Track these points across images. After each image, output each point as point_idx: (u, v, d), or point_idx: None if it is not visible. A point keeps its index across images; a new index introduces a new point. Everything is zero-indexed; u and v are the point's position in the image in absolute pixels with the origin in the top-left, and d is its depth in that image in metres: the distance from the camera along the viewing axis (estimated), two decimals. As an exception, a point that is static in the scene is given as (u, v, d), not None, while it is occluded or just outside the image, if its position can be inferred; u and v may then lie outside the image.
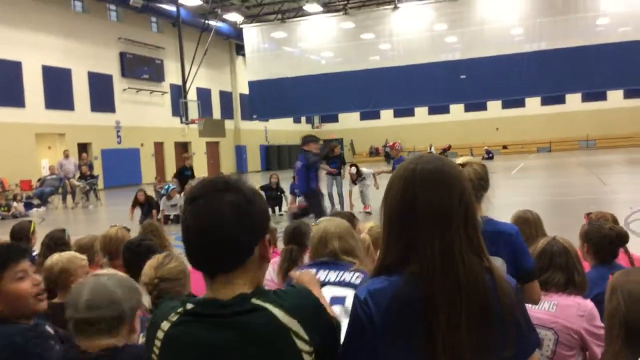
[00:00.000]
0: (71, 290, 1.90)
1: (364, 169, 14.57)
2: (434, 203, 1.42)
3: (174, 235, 11.59)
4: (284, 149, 44.30)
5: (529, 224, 3.72)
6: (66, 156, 21.19)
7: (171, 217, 13.99)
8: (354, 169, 14.46)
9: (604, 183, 17.24)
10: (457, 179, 1.47)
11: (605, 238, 3.20)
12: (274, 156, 43.60)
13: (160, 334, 1.40)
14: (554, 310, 2.70)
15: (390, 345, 1.40)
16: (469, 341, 1.36)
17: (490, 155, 39.75)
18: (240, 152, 40.57)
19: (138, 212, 13.73)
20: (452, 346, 1.35)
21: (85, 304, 1.81)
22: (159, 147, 32.76)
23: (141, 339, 2.03)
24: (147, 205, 13.98)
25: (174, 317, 1.40)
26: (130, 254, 3.28)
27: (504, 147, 45.14)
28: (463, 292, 1.37)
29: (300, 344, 1.36)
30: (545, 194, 16.10)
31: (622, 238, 3.24)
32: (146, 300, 2.32)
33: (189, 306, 1.40)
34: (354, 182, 14.35)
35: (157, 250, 3.25)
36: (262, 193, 1.56)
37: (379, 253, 1.52)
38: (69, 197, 20.10)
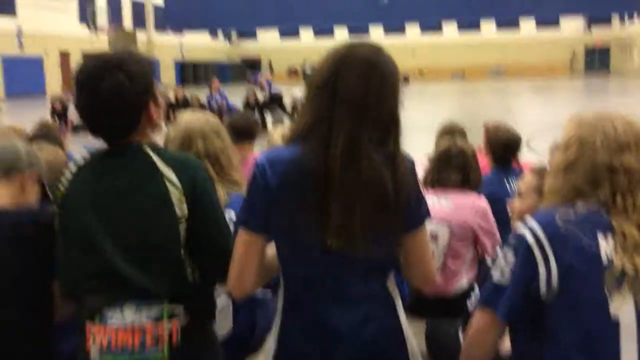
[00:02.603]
0: None
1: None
2: (352, 91, 1.40)
3: (79, 144, 11.20)
4: (199, 66, 42.97)
5: (453, 133, 3.92)
6: (-39, 61, 19.67)
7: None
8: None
9: (509, 109, 17.96)
10: (386, 74, 1.44)
11: (499, 140, 3.49)
12: (189, 73, 42.27)
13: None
14: (450, 207, 2.83)
15: (281, 210, 1.42)
16: (362, 229, 1.38)
17: (405, 78, 40.30)
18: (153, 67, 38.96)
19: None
20: (345, 230, 1.38)
21: None
22: (65, 57, 30.89)
23: None
24: (64, 115, 13.79)
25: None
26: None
27: (420, 72, 45.84)
28: (362, 180, 1.38)
29: (170, 187, 1.56)
30: (456, 117, 16.59)
31: (514, 140, 3.46)
32: None
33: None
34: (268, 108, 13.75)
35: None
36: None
37: (294, 123, 1.53)
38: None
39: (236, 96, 14.48)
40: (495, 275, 1.50)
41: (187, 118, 2.37)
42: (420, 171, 2.08)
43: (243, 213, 1.48)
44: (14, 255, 1.71)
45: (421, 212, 1.51)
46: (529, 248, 1.43)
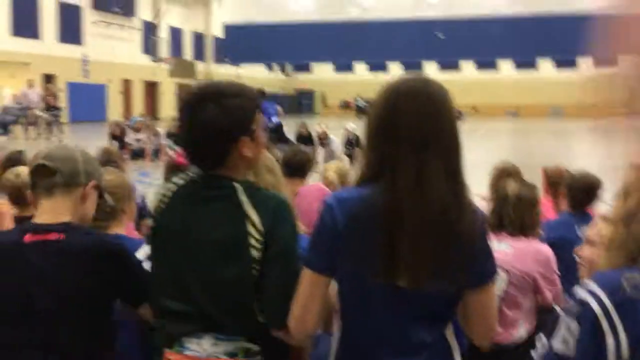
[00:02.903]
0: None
1: (331, 136, 13.17)
2: (415, 124, 1.41)
3: (136, 171, 11.50)
4: (255, 95, 43.67)
5: (509, 174, 3.85)
6: (30, 86, 20.56)
7: (134, 148, 14.14)
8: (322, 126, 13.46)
9: (568, 149, 17.54)
10: (442, 101, 1.45)
11: (576, 183, 3.38)
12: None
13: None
14: (510, 253, 2.75)
15: (349, 251, 1.42)
16: (430, 262, 1.37)
17: (460, 113, 40.01)
18: (210, 95, 39.87)
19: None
20: (413, 264, 1.36)
21: (44, 154, 1.82)
22: (127, 84, 31.99)
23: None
24: (120, 139, 14.24)
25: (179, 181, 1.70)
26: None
27: (474, 108, 45.39)
28: (432, 211, 1.37)
29: (251, 229, 1.56)
30: (510, 156, 16.29)
31: (593, 186, 3.37)
32: None
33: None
34: (321, 143, 13.27)
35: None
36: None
37: (358, 166, 1.54)
38: (31, 128, 19.60)
39: (291, 128, 14.60)
40: (557, 345, 1.43)
41: None
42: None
43: (308, 253, 1.49)
44: (77, 278, 1.72)
45: (488, 269, 1.48)
46: (595, 318, 1.35)
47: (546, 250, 2.81)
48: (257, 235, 1.56)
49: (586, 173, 3.52)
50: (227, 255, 1.57)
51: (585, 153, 17.06)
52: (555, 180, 3.92)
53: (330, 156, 12.71)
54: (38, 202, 1.81)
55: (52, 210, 1.78)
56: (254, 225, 1.56)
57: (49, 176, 1.79)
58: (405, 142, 1.40)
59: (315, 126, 13.89)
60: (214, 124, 1.58)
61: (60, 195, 1.80)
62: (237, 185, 1.62)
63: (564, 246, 2.89)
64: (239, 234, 1.56)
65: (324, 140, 13.15)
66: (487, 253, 1.48)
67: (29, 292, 1.69)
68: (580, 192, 3.39)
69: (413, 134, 1.40)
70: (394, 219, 1.38)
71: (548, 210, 3.32)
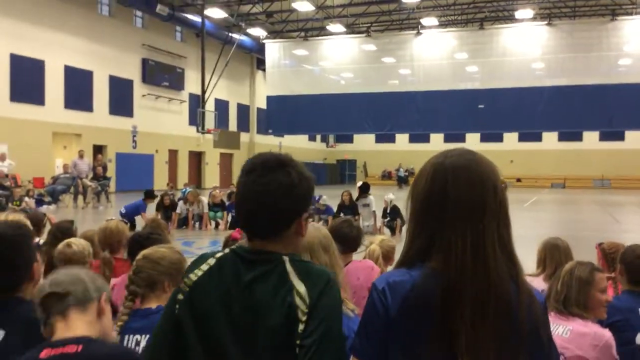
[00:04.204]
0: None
1: (371, 197, 13.66)
2: (465, 198, 1.37)
3: (180, 240, 11.60)
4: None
5: (559, 250, 3.72)
6: (81, 156, 21.29)
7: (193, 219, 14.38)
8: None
9: (617, 221, 17.04)
10: (489, 173, 1.42)
11: (637, 257, 3.14)
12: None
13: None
14: (567, 336, 2.62)
15: (402, 339, 1.36)
16: (493, 342, 1.30)
17: (504, 185, 39.55)
18: (253, 165, 40.56)
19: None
20: (476, 346, 1.30)
21: (49, 283, 1.82)
22: (173, 154, 32.88)
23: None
24: (170, 210, 14.42)
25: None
26: (138, 247, 3.24)
27: (518, 179, 44.86)
28: (492, 289, 1.32)
29: (298, 301, 1.48)
30: (556, 229, 15.92)
31: None
32: None
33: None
34: (356, 199, 13.73)
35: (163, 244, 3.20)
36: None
37: (404, 245, 1.48)
38: (80, 197, 20.17)
39: (332, 198, 14.63)
40: None
41: None
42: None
43: (358, 340, 1.42)
44: None
45: (552, 357, 1.39)
46: None
47: (607, 334, 2.66)
48: (303, 307, 1.47)
49: None
50: (275, 335, 1.47)
51: (633, 226, 16.54)
52: (614, 257, 3.74)
53: (369, 215, 13.34)
54: (54, 328, 1.79)
55: (69, 330, 1.77)
56: (301, 297, 1.48)
57: (61, 300, 1.79)
58: (456, 217, 1.36)
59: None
60: (294, 190, 1.54)
61: (75, 315, 1.80)
62: (284, 257, 1.55)
63: (626, 330, 2.74)
64: (287, 312, 1.47)
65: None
66: (549, 341, 1.40)
67: None
68: None
69: (464, 208, 1.36)
70: (451, 306, 1.32)
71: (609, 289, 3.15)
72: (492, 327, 1.31)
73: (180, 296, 1.58)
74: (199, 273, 1.58)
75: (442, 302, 1.32)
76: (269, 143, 40.50)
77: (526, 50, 24.45)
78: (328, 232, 2.40)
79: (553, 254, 3.72)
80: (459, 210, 1.37)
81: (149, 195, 14.00)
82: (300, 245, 1.67)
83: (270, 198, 1.53)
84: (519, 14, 28.78)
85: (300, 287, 1.49)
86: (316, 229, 2.35)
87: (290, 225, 1.57)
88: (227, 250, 1.62)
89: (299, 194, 1.56)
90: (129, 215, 13.04)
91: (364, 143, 48.58)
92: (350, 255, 3.62)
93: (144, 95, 30.45)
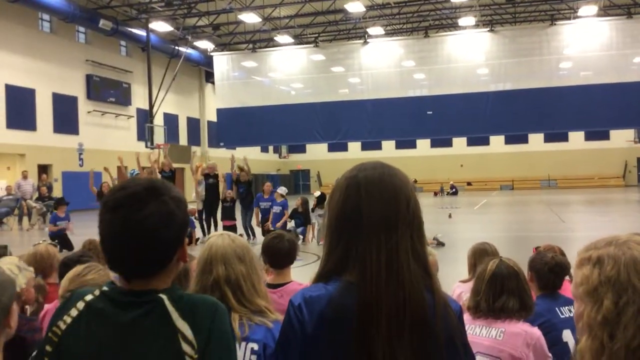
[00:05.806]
0: None
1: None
2: (378, 211, 1.38)
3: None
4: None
5: (487, 255, 3.78)
6: (24, 177, 20.70)
7: None
8: (317, 193, 14.22)
9: (563, 221, 17.50)
10: (402, 186, 1.42)
11: (545, 265, 3.23)
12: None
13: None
14: (501, 338, 2.65)
15: (320, 355, 1.34)
16: (410, 353, 1.30)
17: (455, 190, 40.28)
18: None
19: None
20: (394, 357, 1.29)
21: None
22: (121, 171, 32.19)
23: None
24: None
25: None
26: (67, 270, 3.13)
27: (468, 183, 45.75)
28: (407, 302, 1.32)
29: (185, 347, 1.33)
30: (504, 230, 16.25)
31: (561, 266, 3.25)
32: None
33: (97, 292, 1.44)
34: (312, 209, 13.93)
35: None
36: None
37: (321, 259, 1.47)
38: (25, 218, 19.57)
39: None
40: None
41: (213, 241, 2.30)
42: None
43: (275, 358, 1.42)
44: None
45: None
46: None
47: (536, 332, 2.71)
48: (191, 351, 1.33)
49: (555, 254, 3.39)
50: None
51: (578, 225, 17.02)
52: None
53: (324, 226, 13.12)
54: None
55: None
56: (186, 340, 1.34)
57: None
58: (370, 230, 1.36)
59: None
60: (174, 220, 1.38)
61: None
62: (164, 298, 1.38)
63: (551, 329, 2.79)
64: (173, 357, 1.33)
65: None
66: (464, 347, 1.42)
67: None
68: (548, 271, 3.21)
69: (377, 222, 1.37)
70: (368, 320, 1.31)
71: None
72: (408, 342, 1.31)
73: (49, 348, 1.40)
74: (68, 320, 1.40)
75: (359, 317, 1.31)
76: (221, 156, 40.20)
77: (471, 57, 24.99)
78: (245, 242, 2.34)
79: (482, 259, 3.72)
80: (373, 223, 1.37)
81: (60, 202, 14.13)
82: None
83: (150, 235, 1.35)
84: (461, 21, 29.45)
85: (186, 330, 1.35)
86: (232, 240, 2.30)
87: (175, 255, 1.42)
88: (97, 292, 1.43)
89: (179, 221, 1.40)
90: (55, 233, 12.73)
91: (317, 152, 48.76)
92: (288, 271, 3.39)
93: (89, 112, 29.79)
